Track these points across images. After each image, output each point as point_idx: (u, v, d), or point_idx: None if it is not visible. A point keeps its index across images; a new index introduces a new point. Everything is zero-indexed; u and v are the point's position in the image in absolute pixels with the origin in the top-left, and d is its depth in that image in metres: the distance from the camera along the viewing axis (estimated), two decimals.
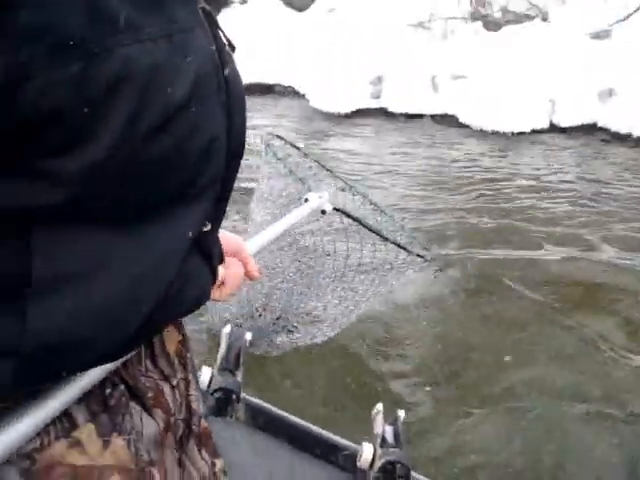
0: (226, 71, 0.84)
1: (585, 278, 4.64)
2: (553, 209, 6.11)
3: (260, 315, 3.11)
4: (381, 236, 2.49)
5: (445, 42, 10.34)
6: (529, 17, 10.28)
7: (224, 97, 0.84)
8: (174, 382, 1.07)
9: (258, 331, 3.12)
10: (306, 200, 1.79)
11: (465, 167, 7.52)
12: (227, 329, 1.78)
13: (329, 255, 2.82)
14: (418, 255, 2.62)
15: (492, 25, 10.15)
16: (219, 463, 1.24)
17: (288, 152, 2.98)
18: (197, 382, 1.17)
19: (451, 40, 10.35)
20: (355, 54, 10.54)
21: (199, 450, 1.18)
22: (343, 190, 3.00)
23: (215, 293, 1.09)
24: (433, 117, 9.35)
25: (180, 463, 1.09)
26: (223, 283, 1.11)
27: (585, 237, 5.41)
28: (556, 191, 6.67)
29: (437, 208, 5.96)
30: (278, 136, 2.99)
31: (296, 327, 3.04)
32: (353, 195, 3.03)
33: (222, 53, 0.83)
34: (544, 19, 10.17)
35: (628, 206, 6.23)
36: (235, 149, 0.89)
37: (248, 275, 1.16)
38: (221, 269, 1.04)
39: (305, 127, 9.42)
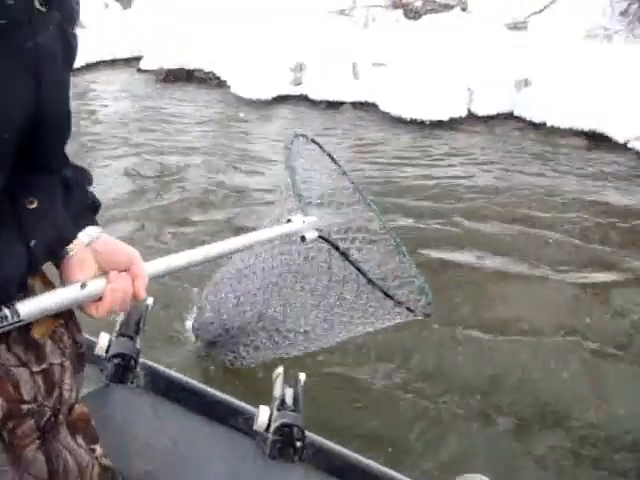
0: (38, 38, 0.82)
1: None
2: (468, 196, 6.18)
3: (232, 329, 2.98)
4: (365, 277, 2.37)
5: (366, 30, 10.35)
6: (449, 7, 10.39)
7: (31, 60, 0.81)
8: (35, 368, 1.02)
9: (226, 342, 3.01)
10: (288, 221, 1.64)
11: (382, 154, 7.54)
12: None
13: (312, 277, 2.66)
14: (408, 308, 2.50)
15: (412, 14, 10.21)
16: (99, 449, 1.22)
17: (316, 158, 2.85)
18: (79, 369, 1.13)
19: (372, 28, 10.37)
20: (276, 41, 10.44)
21: (73, 437, 1.16)
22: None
23: (90, 308, 1.03)
24: (353, 104, 9.34)
25: (46, 450, 1.07)
26: (101, 298, 1.02)
27: (503, 224, 5.49)
28: (472, 177, 6.76)
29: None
30: (313, 141, 2.82)
31: (264, 343, 2.92)
32: (379, 223, 2.90)
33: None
34: (463, 9, 10.30)
35: (536, 192, 6.36)
36: (49, 119, 0.86)
37: (133, 293, 1.04)
38: (100, 282, 1.01)
39: (226, 114, 9.29)
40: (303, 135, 2.83)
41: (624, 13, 9.76)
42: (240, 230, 5.05)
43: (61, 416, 1.10)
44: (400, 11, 10.32)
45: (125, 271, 1.04)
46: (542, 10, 10.02)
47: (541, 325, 3.88)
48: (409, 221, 5.38)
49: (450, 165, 7.24)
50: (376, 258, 2.86)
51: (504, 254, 4.81)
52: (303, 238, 1.59)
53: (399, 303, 2.46)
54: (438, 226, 5.34)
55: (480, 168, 7.16)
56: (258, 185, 6.25)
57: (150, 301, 1.79)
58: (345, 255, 2.29)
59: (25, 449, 1.02)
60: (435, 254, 4.76)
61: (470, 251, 4.84)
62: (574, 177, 6.93)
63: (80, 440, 1.18)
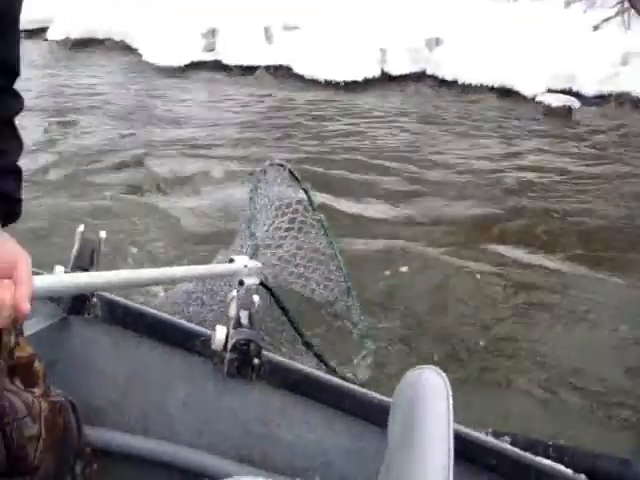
0: None
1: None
2: (386, 154, 6.25)
3: None
4: (302, 339, 2.32)
5: None
6: None
7: None
8: None
9: None
10: (231, 260, 1.58)
11: (298, 114, 7.54)
12: (81, 227, 1.65)
13: None
14: (334, 370, 2.43)
15: None
16: (38, 390, 1.22)
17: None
18: None
19: None
20: (188, 6, 10.25)
21: (11, 380, 1.16)
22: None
23: None
24: (267, 68, 9.28)
25: None
26: None
27: (417, 175, 5.58)
28: (385, 136, 6.83)
29: (276, 154, 5.93)
30: (290, 171, 2.71)
31: None
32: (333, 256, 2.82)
33: None
34: None
35: (449, 149, 6.50)
36: None
37: (13, 304, 0.83)
38: None
39: (138, 81, 9.08)
40: (280, 164, 2.78)
41: None
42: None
43: (1, 361, 1.08)
44: None
45: (8, 278, 0.86)
46: None
47: None
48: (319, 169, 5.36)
49: (365, 121, 7.30)
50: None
51: (406, 206, 4.88)
52: (241, 282, 1.56)
53: (333, 370, 2.44)
54: (347, 174, 5.36)
55: (394, 125, 7.25)
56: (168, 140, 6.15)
57: (103, 234, 1.74)
58: (285, 310, 2.23)
59: None
60: (343, 204, 4.79)
61: (376, 204, 4.88)
62: (489, 132, 7.10)
63: (18, 383, 1.18)
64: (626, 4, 8.90)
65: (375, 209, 4.79)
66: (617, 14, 9.24)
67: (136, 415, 1.64)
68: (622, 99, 8.14)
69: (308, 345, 2.35)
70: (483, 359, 3.06)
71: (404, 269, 3.78)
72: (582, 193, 5.22)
